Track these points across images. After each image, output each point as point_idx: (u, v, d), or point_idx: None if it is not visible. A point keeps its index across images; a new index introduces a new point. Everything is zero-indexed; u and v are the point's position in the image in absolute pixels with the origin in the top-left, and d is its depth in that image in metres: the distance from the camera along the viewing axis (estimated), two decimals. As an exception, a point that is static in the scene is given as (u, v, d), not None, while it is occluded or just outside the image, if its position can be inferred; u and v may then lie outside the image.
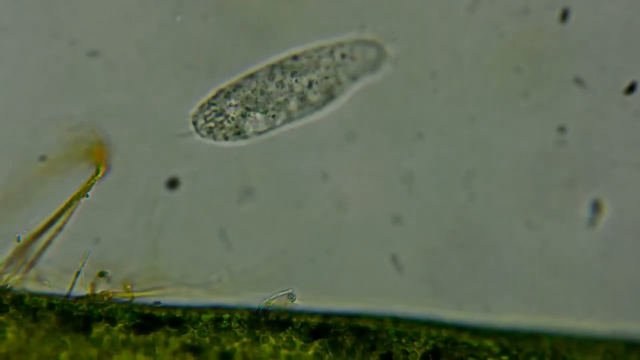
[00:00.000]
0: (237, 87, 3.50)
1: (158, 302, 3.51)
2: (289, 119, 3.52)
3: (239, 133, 3.48)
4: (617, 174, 3.64)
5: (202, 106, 3.53)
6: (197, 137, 3.55)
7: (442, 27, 3.65)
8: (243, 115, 3.45)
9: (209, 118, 3.51)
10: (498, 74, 3.66)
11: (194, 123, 3.54)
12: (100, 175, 3.45)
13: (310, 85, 3.50)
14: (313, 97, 3.50)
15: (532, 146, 3.65)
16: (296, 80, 3.46)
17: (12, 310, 3.42)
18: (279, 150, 3.64)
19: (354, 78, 3.54)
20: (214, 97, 3.54)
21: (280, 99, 3.47)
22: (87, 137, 3.52)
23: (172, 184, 3.61)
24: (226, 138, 3.50)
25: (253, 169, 3.63)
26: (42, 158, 3.57)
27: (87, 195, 3.46)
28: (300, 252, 3.63)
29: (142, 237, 3.54)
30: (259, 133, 3.52)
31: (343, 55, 3.55)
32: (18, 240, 3.49)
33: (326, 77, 3.51)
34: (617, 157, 3.64)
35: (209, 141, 3.54)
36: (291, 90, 3.49)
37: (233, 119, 3.47)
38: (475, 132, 3.65)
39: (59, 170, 3.49)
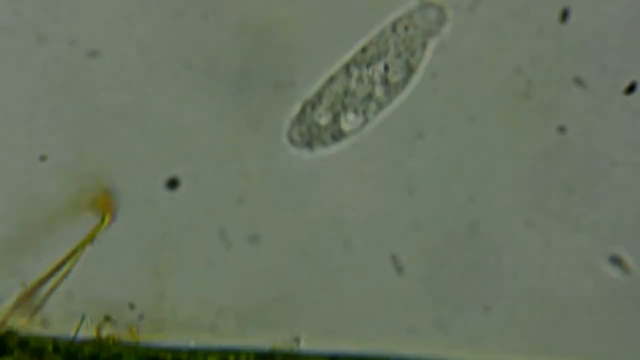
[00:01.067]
0: (320, 95, 3.51)
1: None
2: (380, 107, 3.51)
3: (337, 137, 3.49)
4: (617, 174, 3.64)
5: (292, 123, 3.53)
6: (294, 150, 3.55)
7: (442, 27, 3.65)
8: (335, 120, 3.46)
9: (304, 132, 3.52)
10: (498, 74, 3.66)
11: (290, 139, 3.54)
12: (105, 223, 3.47)
13: (386, 68, 3.50)
14: (395, 78, 3.50)
15: (532, 146, 3.65)
16: (372, 71, 3.47)
17: (17, 353, 3.41)
18: (278, 150, 3.64)
19: (424, 44, 3.52)
20: (302, 110, 3.53)
21: (365, 93, 3.47)
22: (93, 186, 3.52)
23: (172, 184, 3.61)
24: (325, 144, 3.50)
25: (253, 168, 3.64)
26: (42, 158, 3.58)
27: (92, 242, 3.48)
28: (300, 252, 3.63)
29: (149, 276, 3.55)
30: (357, 131, 3.51)
31: (406, 28, 3.53)
32: (25, 285, 3.50)
33: (398, 55, 3.50)
34: (617, 157, 3.64)
35: (306, 153, 3.55)
36: (372, 81, 3.48)
37: (327, 128, 3.47)
38: (475, 132, 3.65)
39: (65, 219, 3.50)
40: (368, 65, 3.52)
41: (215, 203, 3.63)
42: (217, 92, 3.63)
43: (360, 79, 3.52)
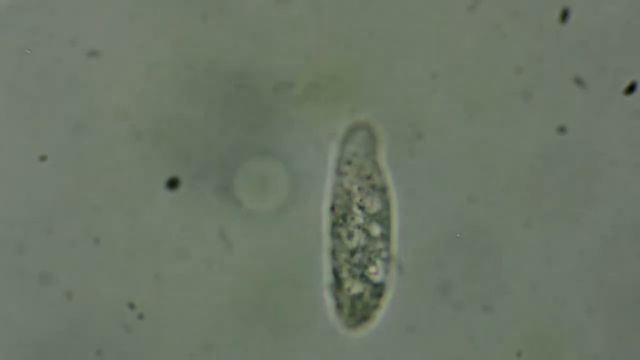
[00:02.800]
0: (335, 271, 3.56)
1: None
2: (385, 237, 3.55)
3: (379, 294, 3.54)
4: (617, 174, 3.65)
5: (337, 311, 3.57)
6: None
7: (442, 27, 3.65)
8: (363, 277, 3.53)
9: (354, 313, 3.56)
10: (498, 74, 3.66)
11: (346, 325, 3.57)
12: None
13: (361, 207, 3.53)
14: (373, 208, 3.53)
15: (532, 146, 3.65)
16: (352, 218, 3.54)
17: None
18: (276, 151, 3.64)
19: (373, 161, 3.55)
20: (335, 283, 3.58)
21: (363, 241, 3.53)
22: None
23: (172, 183, 3.61)
24: (375, 307, 3.57)
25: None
26: (42, 158, 3.58)
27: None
28: (299, 249, 3.64)
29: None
30: (389, 273, 3.56)
31: (349, 162, 3.56)
32: None
33: (360, 188, 3.53)
34: (617, 157, 3.64)
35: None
36: (359, 226, 3.52)
37: (361, 294, 3.54)
38: (475, 132, 3.66)
39: None
40: (344, 216, 3.55)
41: (215, 203, 3.63)
42: (217, 92, 3.63)
43: (350, 234, 3.55)
